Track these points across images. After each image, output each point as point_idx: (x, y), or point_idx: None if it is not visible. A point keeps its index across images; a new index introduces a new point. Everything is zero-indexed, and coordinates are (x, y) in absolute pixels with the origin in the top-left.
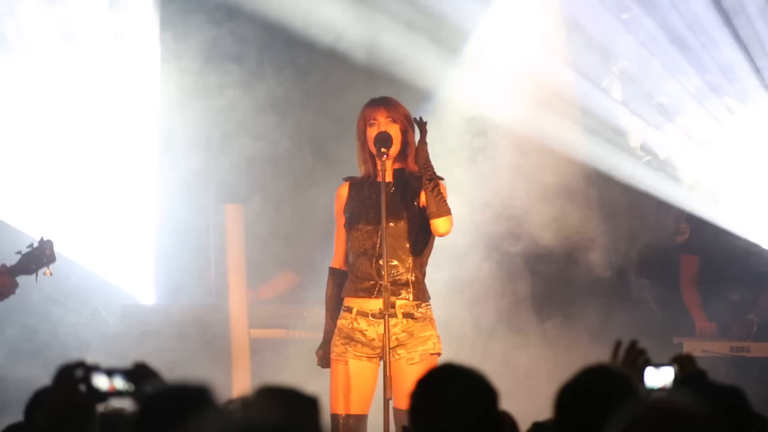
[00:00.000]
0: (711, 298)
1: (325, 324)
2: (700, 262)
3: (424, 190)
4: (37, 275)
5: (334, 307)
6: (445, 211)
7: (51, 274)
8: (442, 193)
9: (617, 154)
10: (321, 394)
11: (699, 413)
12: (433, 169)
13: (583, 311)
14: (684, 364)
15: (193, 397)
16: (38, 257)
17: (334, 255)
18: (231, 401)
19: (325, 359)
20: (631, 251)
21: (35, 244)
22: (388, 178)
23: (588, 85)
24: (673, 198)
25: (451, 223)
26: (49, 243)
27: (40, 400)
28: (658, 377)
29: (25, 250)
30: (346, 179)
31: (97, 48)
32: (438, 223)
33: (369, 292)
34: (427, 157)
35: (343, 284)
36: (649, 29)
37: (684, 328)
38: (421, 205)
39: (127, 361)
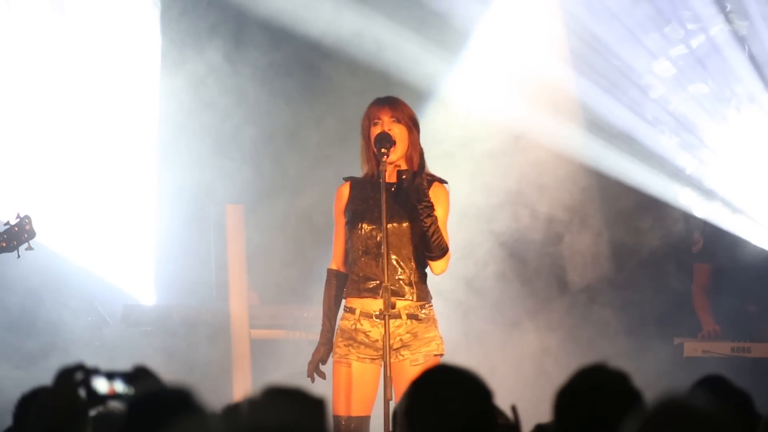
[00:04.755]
0: (728, 309)
1: (322, 327)
2: (714, 272)
3: (422, 227)
4: (18, 252)
5: (332, 311)
6: (444, 251)
7: (32, 248)
8: (440, 231)
9: (618, 154)
10: (322, 395)
11: (713, 414)
12: (431, 206)
13: (584, 311)
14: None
15: (174, 401)
16: (18, 234)
17: (333, 256)
18: (237, 402)
19: (317, 370)
20: (638, 249)
21: (13, 221)
22: (391, 178)
23: (588, 85)
24: (685, 203)
25: (448, 262)
26: (28, 218)
27: (28, 403)
28: None
29: (2, 228)
30: (346, 179)
31: (99, 49)
32: (436, 266)
33: (373, 293)
34: (425, 192)
35: (342, 286)
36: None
37: (685, 328)
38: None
39: (127, 361)
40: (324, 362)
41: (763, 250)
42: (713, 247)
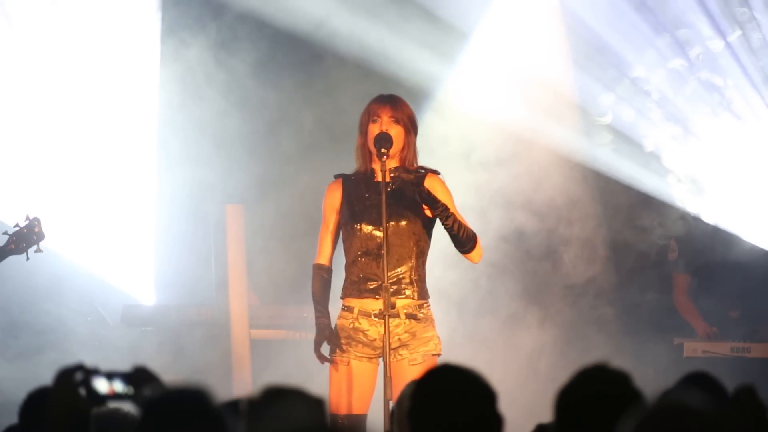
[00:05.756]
0: (709, 316)
1: (316, 317)
2: (692, 280)
3: (447, 231)
4: (27, 254)
5: (323, 300)
6: (474, 240)
7: (42, 251)
8: (463, 223)
9: (619, 154)
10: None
11: (712, 413)
12: (447, 208)
13: (584, 311)
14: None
15: (191, 401)
16: (27, 235)
17: (319, 251)
18: (237, 402)
19: (326, 354)
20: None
21: (23, 223)
22: (386, 177)
23: (589, 86)
24: (670, 197)
25: (481, 246)
26: (37, 220)
27: (34, 402)
28: None
29: (12, 230)
30: (337, 176)
31: (97, 47)
32: (473, 255)
33: (374, 293)
34: (431, 197)
35: (329, 278)
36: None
37: (685, 328)
38: (423, 209)
39: (127, 361)
40: (331, 339)
41: (744, 253)
42: (690, 256)
